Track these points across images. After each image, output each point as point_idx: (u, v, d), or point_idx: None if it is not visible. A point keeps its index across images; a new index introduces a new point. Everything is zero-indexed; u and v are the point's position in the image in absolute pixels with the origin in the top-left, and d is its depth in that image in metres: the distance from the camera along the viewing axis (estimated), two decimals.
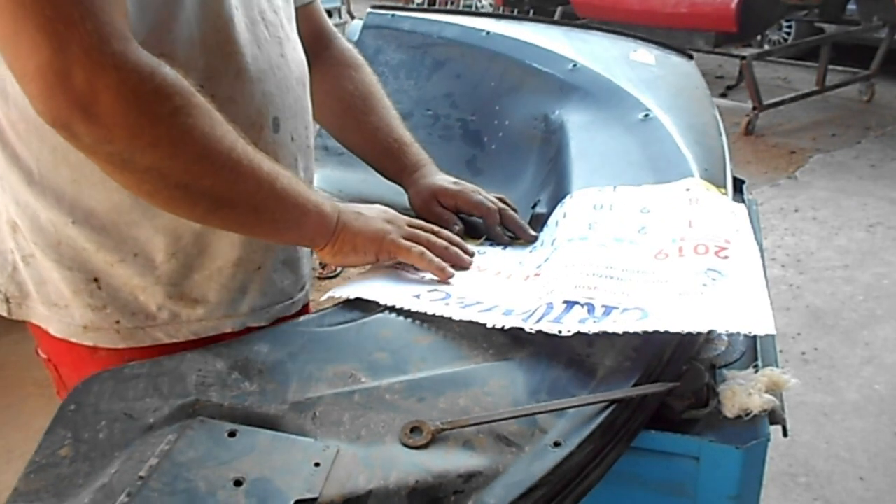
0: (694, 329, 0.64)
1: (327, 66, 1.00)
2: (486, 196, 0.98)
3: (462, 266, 0.85)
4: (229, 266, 0.80)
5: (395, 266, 0.84)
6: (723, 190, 0.90)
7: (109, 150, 0.62)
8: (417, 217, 0.92)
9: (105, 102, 0.59)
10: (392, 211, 0.86)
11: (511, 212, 0.98)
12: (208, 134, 0.66)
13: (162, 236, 0.76)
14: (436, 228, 0.88)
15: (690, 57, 1.40)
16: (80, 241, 0.75)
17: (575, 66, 1.25)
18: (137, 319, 0.78)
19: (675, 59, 1.38)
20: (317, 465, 0.54)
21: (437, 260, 0.82)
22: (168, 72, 0.63)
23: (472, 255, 0.87)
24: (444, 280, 0.81)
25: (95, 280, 0.77)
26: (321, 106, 0.95)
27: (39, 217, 0.75)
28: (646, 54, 1.35)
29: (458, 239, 0.89)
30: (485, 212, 0.96)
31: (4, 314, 0.82)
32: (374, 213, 0.83)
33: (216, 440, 0.56)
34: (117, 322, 0.78)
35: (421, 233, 0.85)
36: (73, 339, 0.79)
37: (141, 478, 0.52)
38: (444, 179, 0.99)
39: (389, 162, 1.01)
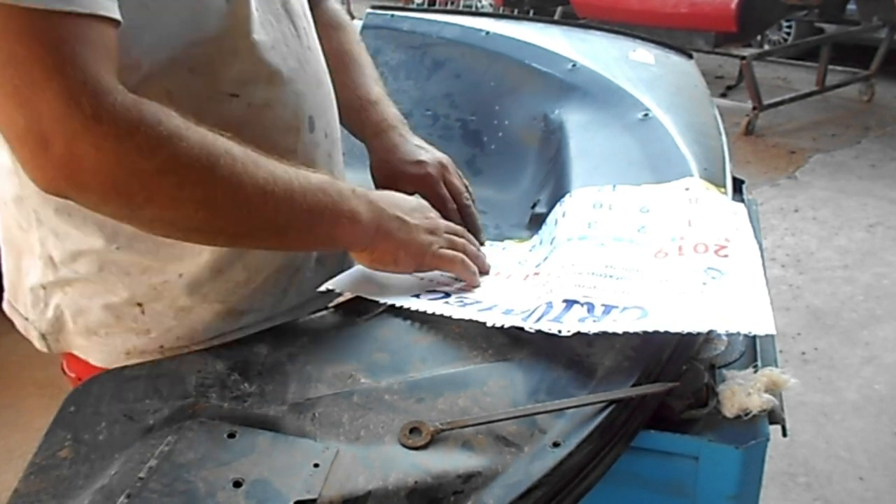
0: (694, 329, 0.64)
1: None
2: (454, 181, 0.93)
3: (485, 271, 0.84)
4: (273, 273, 0.79)
5: None
6: (722, 189, 0.90)
7: (109, 210, 0.61)
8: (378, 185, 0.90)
9: (88, 168, 0.57)
10: (430, 210, 0.83)
11: (472, 210, 0.93)
12: (206, 180, 0.62)
13: (208, 253, 0.74)
14: (464, 231, 0.86)
15: (690, 56, 1.40)
16: (124, 266, 0.73)
17: (574, 65, 1.25)
18: (181, 342, 0.77)
19: (675, 59, 1.38)
20: (316, 465, 0.54)
21: (472, 267, 0.81)
22: (150, 118, 0.59)
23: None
24: (472, 286, 0.80)
25: (139, 304, 0.75)
26: None
27: (80, 247, 0.73)
28: (645, 54, 1.35)
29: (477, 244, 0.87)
30: (448, 213, 0.91)
31: (44, 350, 0.80)
32: (416, 219, 0.79)
33: (215, 441, 0.56)
34: (161, 347, 0.76)
35: (458, 239, 0.83)
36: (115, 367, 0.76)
37: (140, 479, 0.52)
38: (408, 156, 0.92)
39: (351, 120, 0.95)
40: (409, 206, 0.80)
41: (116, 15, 0.58)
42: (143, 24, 0.64)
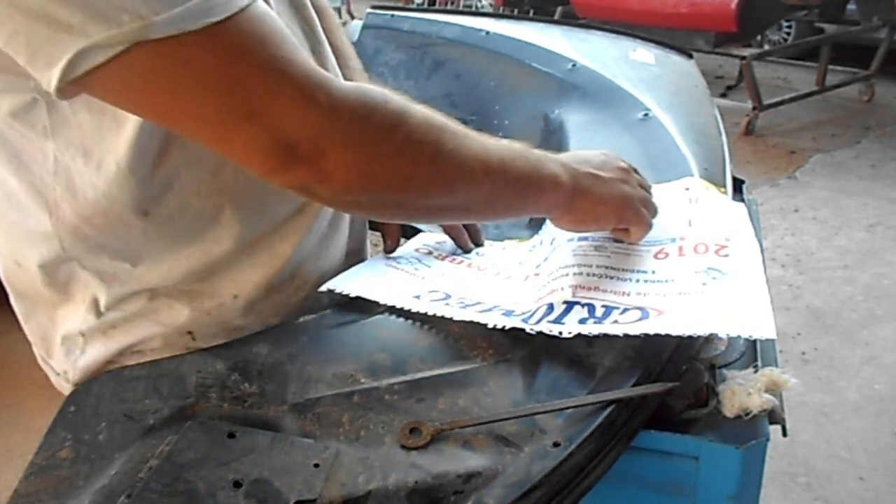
0: (694, 332, 0.64)
1: None
2: None
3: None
4: (319, 280, 0.78)
5: (395, 266, 0.84)
6: (723, 189, 0.90)
7: (348, 199, 0.60)
8: None
9: (334, 160, 0.56)
10: (618, 160, 0.79)
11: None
12: (436, 155, 0.61)
13: (261, 271, 0.73)
14: (647, 184, 0.82)
15: (690, 56, 1.40)
16: (177, 295, 0.72)
17: (574, 65, 1.25)
18: None
19: (675, 59, 1.38)
20: (316, 465, 0.55)
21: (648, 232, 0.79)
22: (377, 97, 0.58)
23: None
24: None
25: (189, 333, 0.73)
26: None
27: (132, 287, 0.70)
28: (645, 54, 1.35)
29: None
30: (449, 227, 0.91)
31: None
32: (610, 172, 0.76)
33: (215, 441, 0.56)
34: None
35: (650, 197, 0.80)
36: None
37: (141, 479, 0.52)
38: None
39: None
40: (597, 161, 0.77)
41: None
42: None
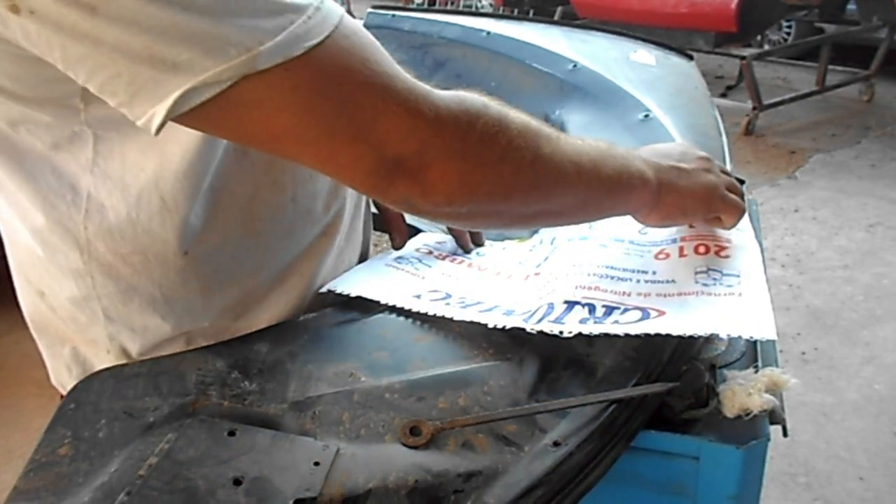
0: (695, 333, 0.64)
1: None
2: None
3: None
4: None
5: (396, 266, 0.84)
6: None
7: (448, 210, 0.58)
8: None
9: (438, 170, 0.54)
10: (697, 150, 0.77)
11: None
12: (536, 161, 0.60)
13: (293, 297, 0.74)
14: (726, 169, 0.78)
15: (690, 57, 1.40)
16: (213, 335, 0.71)
17: (575, 66, 1.25)
18: None
19: (675, 60, 1.38)
20: (316, 464, 0.55)
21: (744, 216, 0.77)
22: (478, 104, 0.57)
23: None
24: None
25: None
26: None
27: (163, 336, 0.70)
28: (646, 54, 1.35)
29: None
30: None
31: None
32: (692, 163, 0.74)
33: (216, 439, 0.56)
34: None
35: (736, 183, 0.77)
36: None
37: (140, 476, 0.52)
38: None
39: None
40: (677, 153, 0.75)
41: None
42: None
